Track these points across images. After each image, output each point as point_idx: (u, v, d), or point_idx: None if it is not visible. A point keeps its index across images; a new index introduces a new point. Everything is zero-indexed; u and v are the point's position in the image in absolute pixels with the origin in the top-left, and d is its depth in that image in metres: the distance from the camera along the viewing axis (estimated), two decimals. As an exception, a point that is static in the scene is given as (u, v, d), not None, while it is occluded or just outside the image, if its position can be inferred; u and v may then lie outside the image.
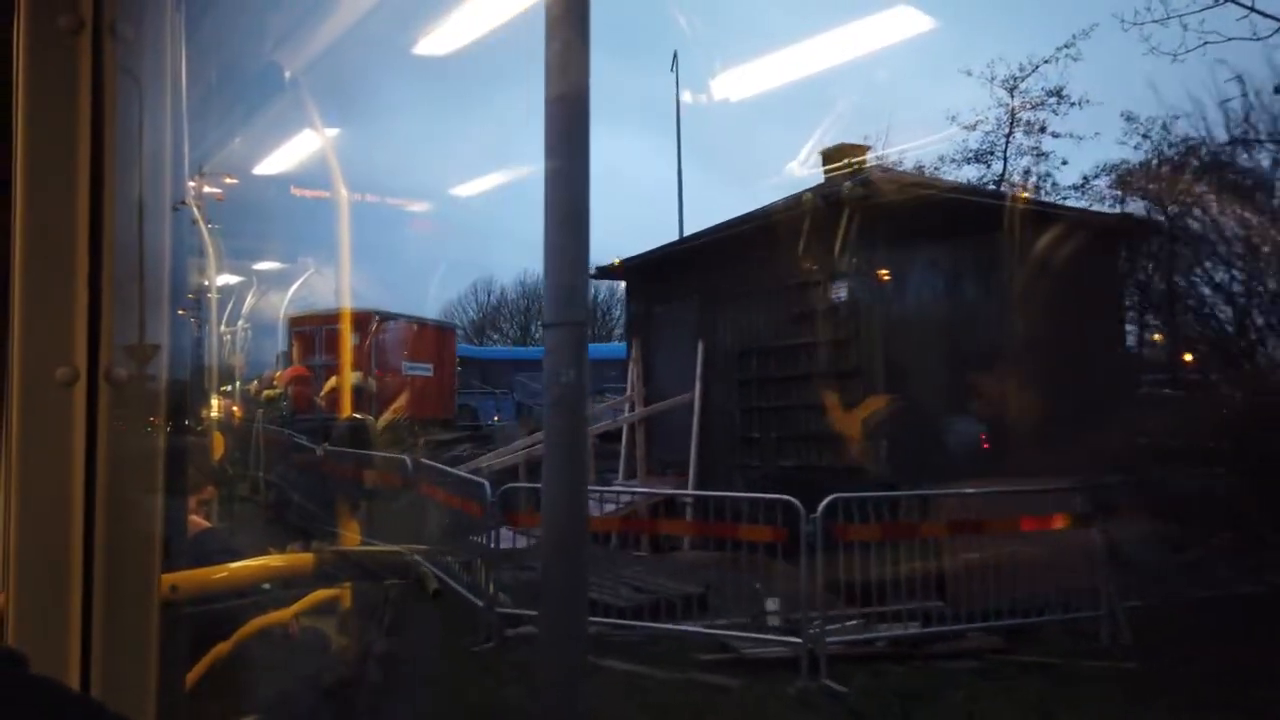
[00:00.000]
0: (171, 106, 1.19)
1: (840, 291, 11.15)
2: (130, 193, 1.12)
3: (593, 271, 16.58)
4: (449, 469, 10.52)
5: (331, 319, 22.61)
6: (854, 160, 13.71)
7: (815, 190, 12.88)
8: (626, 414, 14.78)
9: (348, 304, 21.84)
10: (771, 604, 7.36)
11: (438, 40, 5.42)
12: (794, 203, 11.95)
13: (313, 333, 23.03)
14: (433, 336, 26.29)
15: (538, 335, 48.37)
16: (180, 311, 1.24)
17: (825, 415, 11.02)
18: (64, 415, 1.06)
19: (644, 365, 13.62)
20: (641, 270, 15.43)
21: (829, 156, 14.09)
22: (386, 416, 20.07)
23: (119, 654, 1.08)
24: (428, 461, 10.83)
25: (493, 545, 7.95)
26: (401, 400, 22.14)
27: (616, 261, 15.81)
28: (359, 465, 11.09)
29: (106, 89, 1.08)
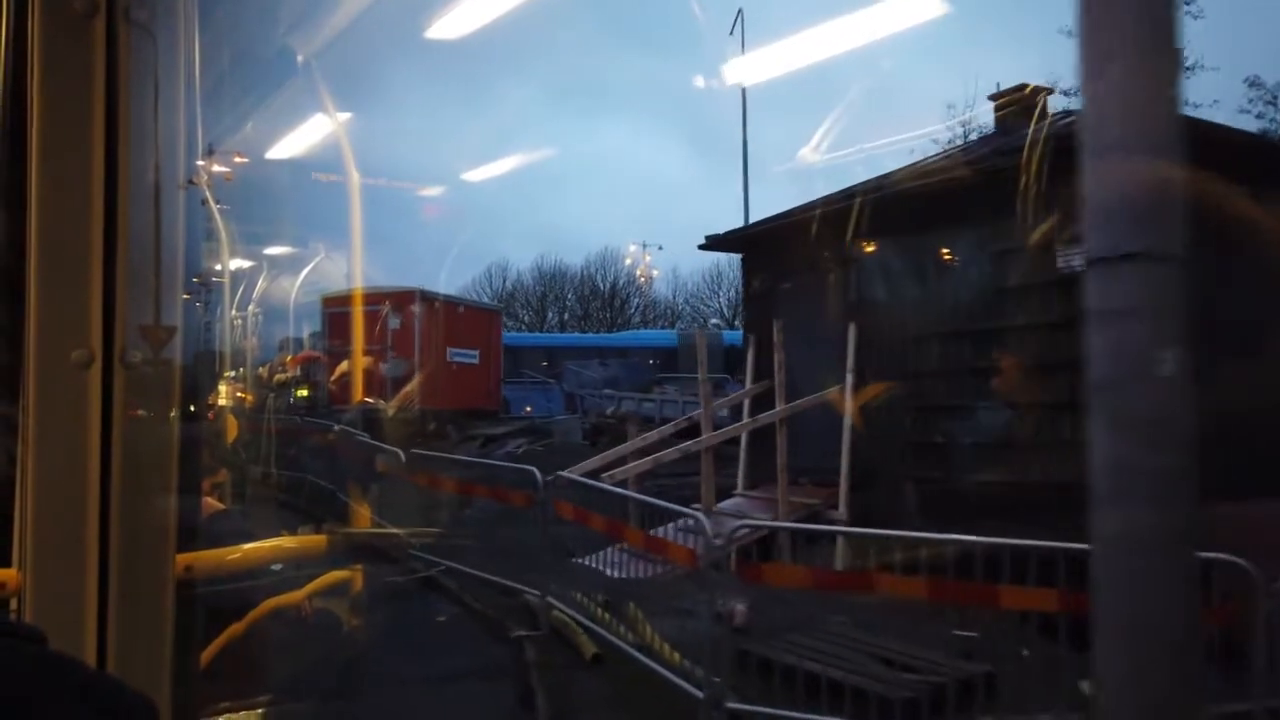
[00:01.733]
0: (185, 90, 1.19)
1: (1074, 259, 8.43)
2: (145, 177, 1.13)
3: (701, 243, 14.78)
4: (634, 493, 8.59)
5: (370, 298, 20.35)
6: (1036, 102, 11.31)
7: (997, 138, 11.06)
8: (747, 415, 12.03)
9: (382, 284, 20.45)
10: (1089, 686, 4.96)
11: (450, 24, 5.41)
12: (1000, 145, 9.96)
13: (349, 314, 20.89)
14: (478, 320, 24.08)
15: (554, 321, 48.35)
16: (185, 295, 1.25)
17: (1050, 417, 8.70)
18: (79, 397, 1.07)
19: (783, 353, 10.90)
20: (763, 240, 12.65)
21: (1004, 99, 12.14)
22: (419, 405, 18.82)
23: (135, 633, 1.10)
24: (575, 476, 8.94)
25: (721, 609, 5.74)
26: (445, 389, 20.51)
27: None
28: (464, 481, 9.87)
29: (120, 73, 1.08)
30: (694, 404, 21.55)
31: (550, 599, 7.08)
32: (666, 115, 63.90)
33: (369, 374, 19.70)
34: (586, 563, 8.46)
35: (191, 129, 1.25)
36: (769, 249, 12.66)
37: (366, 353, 20.09)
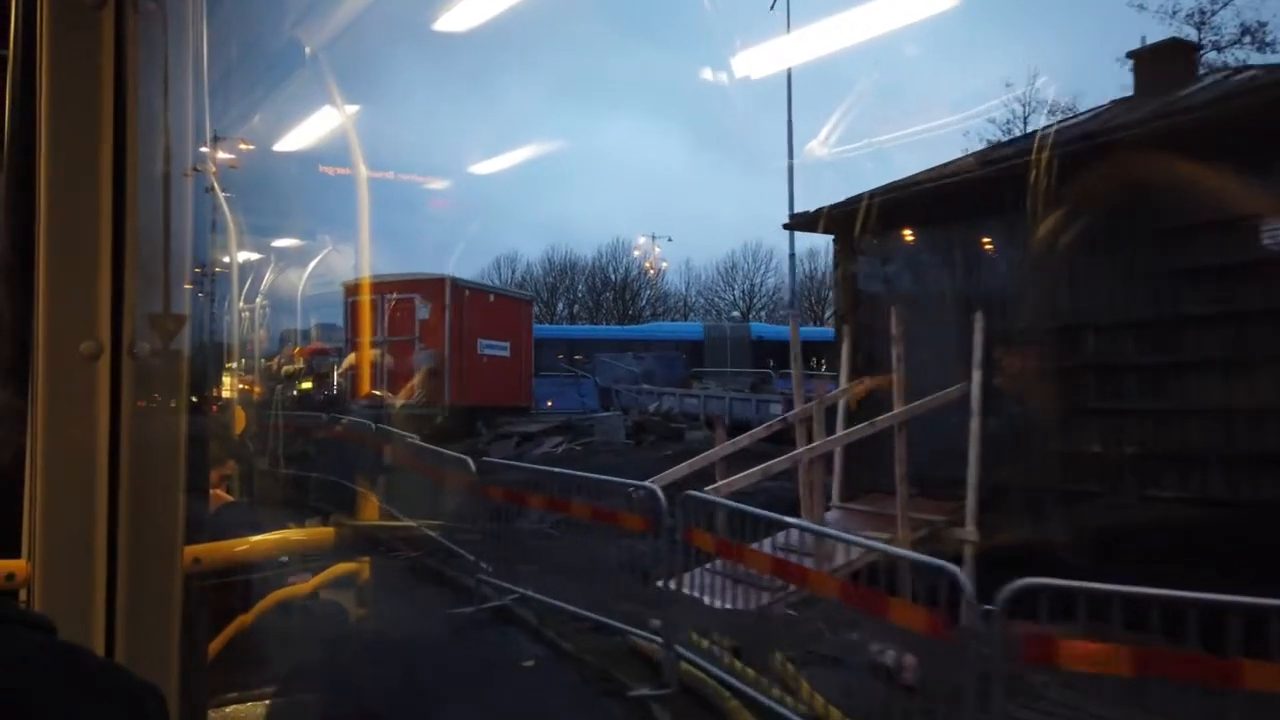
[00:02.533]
0: (193, 82, 1.19)
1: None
2: (153, 168, 1.13)
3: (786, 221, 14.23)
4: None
5: (395, 286, 19.20)
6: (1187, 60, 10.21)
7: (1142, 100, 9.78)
8: (842, 416, 10.39)
9: (406, 271, 19.38)
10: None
11: (458, 17, 5.40)
12: (1166, 106, 8.74)
13: (373, 303, 19.36)
14: (509, 310, 22.27)
15: (563, 312, 48.25)
16: (186, 286, 1.25)
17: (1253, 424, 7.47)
18: (88, 389, 1.07)
19: (903, 345, 9.28)
20: (863, 217, 10.76)
21: (1147, 59, 11.21)
22: (450, 401, 17.89)
23: (143, 623, 1.10)
24: (713, 496, 6.96)
25: (884, 659, 5.03)
26: (475, 384, 19.31)
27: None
28: (557, 499, 7.82)
29: (129, 63, 1.08)
30: (742, 400, 21.23)
31: (679, 647, 5.81)
32: (674, 109, 63.91)
33: (396, 367, 18.74)
34: (684, 589, 6.66)
35: (199, 120, 1.25)
36: (871, 227, 10.84)
37: (393, 344, 19.06)
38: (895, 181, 11.23)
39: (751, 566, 6.13)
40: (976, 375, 8.86)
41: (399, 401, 17.55)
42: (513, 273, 47.17)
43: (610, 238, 48.86)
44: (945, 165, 11.12)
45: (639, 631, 6.31)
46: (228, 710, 1.91)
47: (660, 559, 6.41)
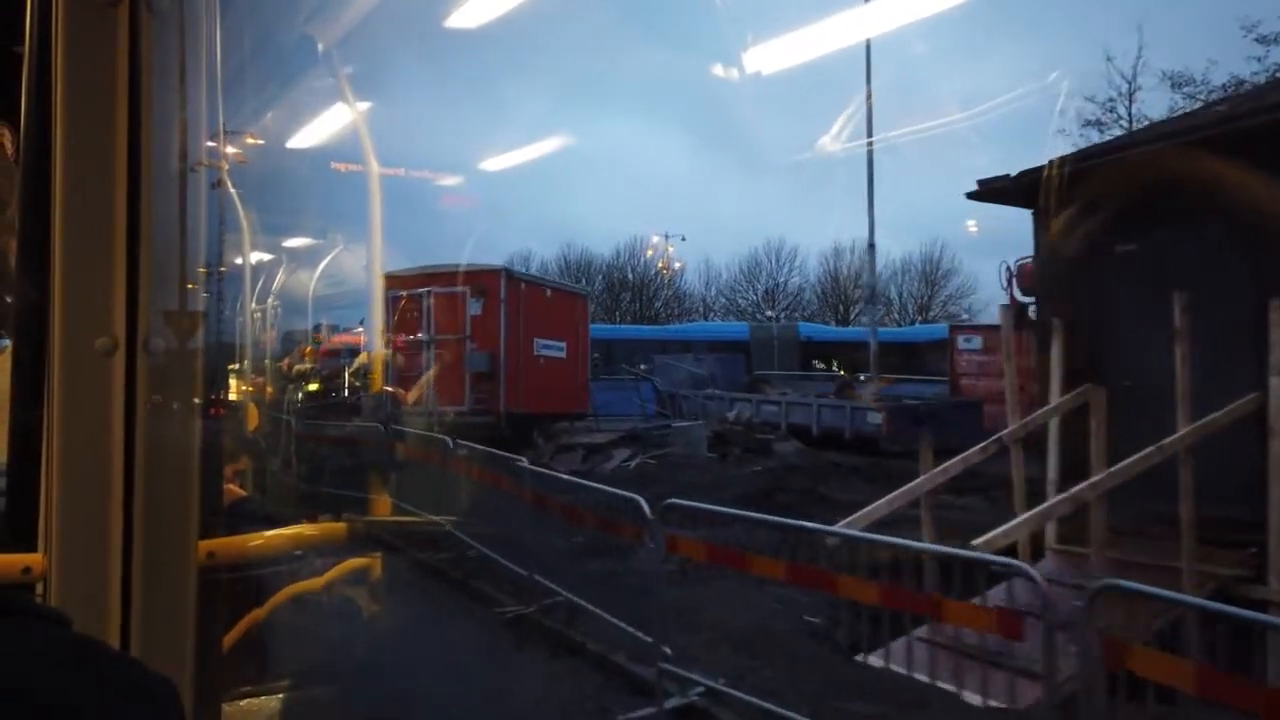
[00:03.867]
0: (206, 79, 1.20)
1: None
2: (167, 165, 1.13)
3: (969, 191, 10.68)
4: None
5: (444, 278, 17.15)
6: None
7: None
8: (1057, 433, 8.16)
9: (450, 261, 17.43)
10: None
11: (470, 14, 5.41)
12: None
13: (418, 296, 17.22)
14: (565, 305, 19.87)
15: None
16: (200, 282, 1.25)
17: None
18: (103, 384, 1.08)
19: (1187, 344, 7.16)
20: (1079, 184, 8.59)
21: None
22: (505, 408, 16.16)
23: (158, 617, 1.11)
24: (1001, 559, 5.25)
25: None
26: (531, 388, 17.34)
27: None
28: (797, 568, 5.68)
29: (143, 61, 1.09)
30: (833, 408, 19.01)
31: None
32: (687, 109, 63.78)
33: (446, 369, 16.71)
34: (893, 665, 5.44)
35: (213, 117, 1.25)
36: (1092, 196, 8.49)
37: (440, 344, 17.04)
38: (1121, 138, 9.26)
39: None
40: (1276, 382, 6.94)
41: (449, 410, 15.90)
42: (526, 269, 46.92)
43: (628, 236, 48.72)
44: (1202, 112, 8.52)
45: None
46: (242, 704, 1.92)
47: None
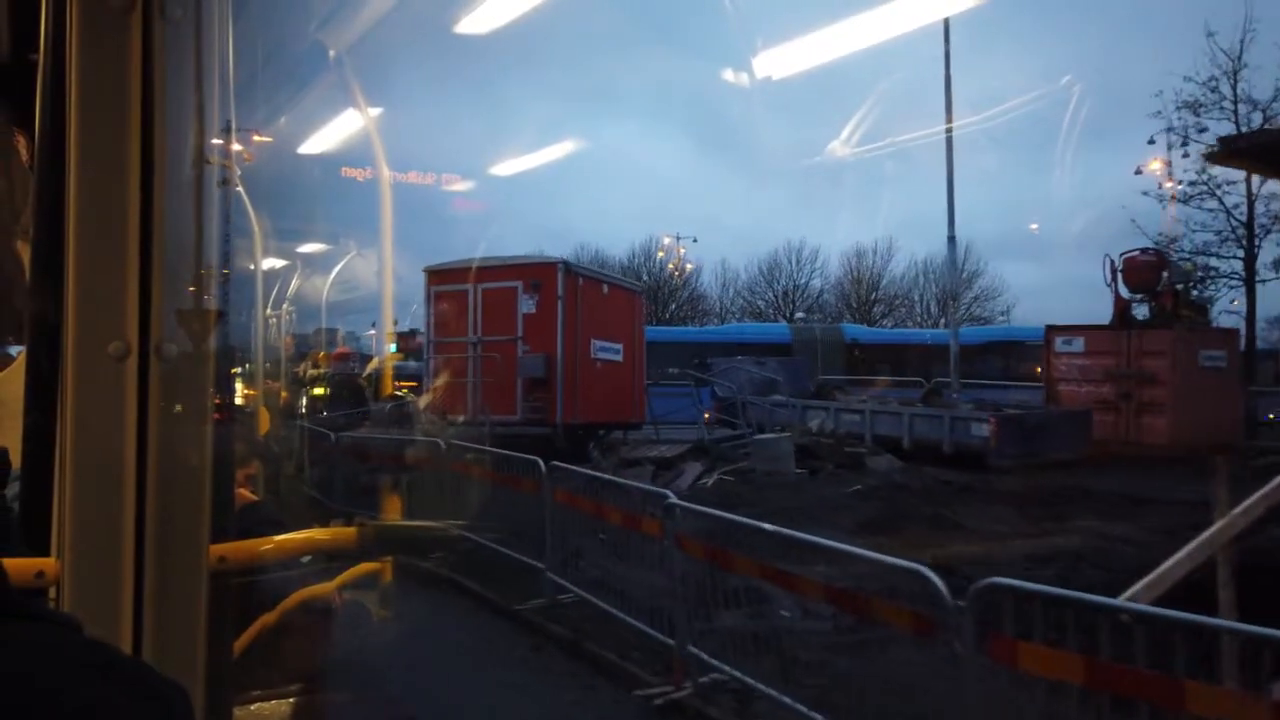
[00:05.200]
0: (218, 85, 1.20)
1: None
2: (180, 171, 1.14)
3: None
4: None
5: (493, 273, 15.40)
6: None
7: None
8: None
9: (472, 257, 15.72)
10: None
11: (479, 20, 5.43)
12: None
13: (463, 293, 15.52)
14: (622, 304, 17.88)
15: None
16: (213, 288, 1.26)
17: None
18: (116, 389, 1.09)
19: None
20: None
21: None
22: (565, 419, 14.65)
23: (169, 622, 1.11)
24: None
25: None
26: (589, 396, 15.61)
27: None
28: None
29: (156, 68, 1.10)
30: (929, 418, 16.71)
31: None
32: (700, 112, 63.77)
33: (495, 374, 14.92)
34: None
35: (225, 123, 1.26)
36: None
37: (489, 346, 15.20)
38: None
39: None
40: None
41: (493, 418, 14.06)
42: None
43: (641, 238, 48.53)
44: None
45: None
46: (253, 708, 1.93)
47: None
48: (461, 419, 14.20)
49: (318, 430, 12.87)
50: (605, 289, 17.29)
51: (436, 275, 16.07)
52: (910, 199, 58.04)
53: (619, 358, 17.09)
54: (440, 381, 15.23)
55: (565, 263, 15.79)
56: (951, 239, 23.02)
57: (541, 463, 8.38)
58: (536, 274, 15.43)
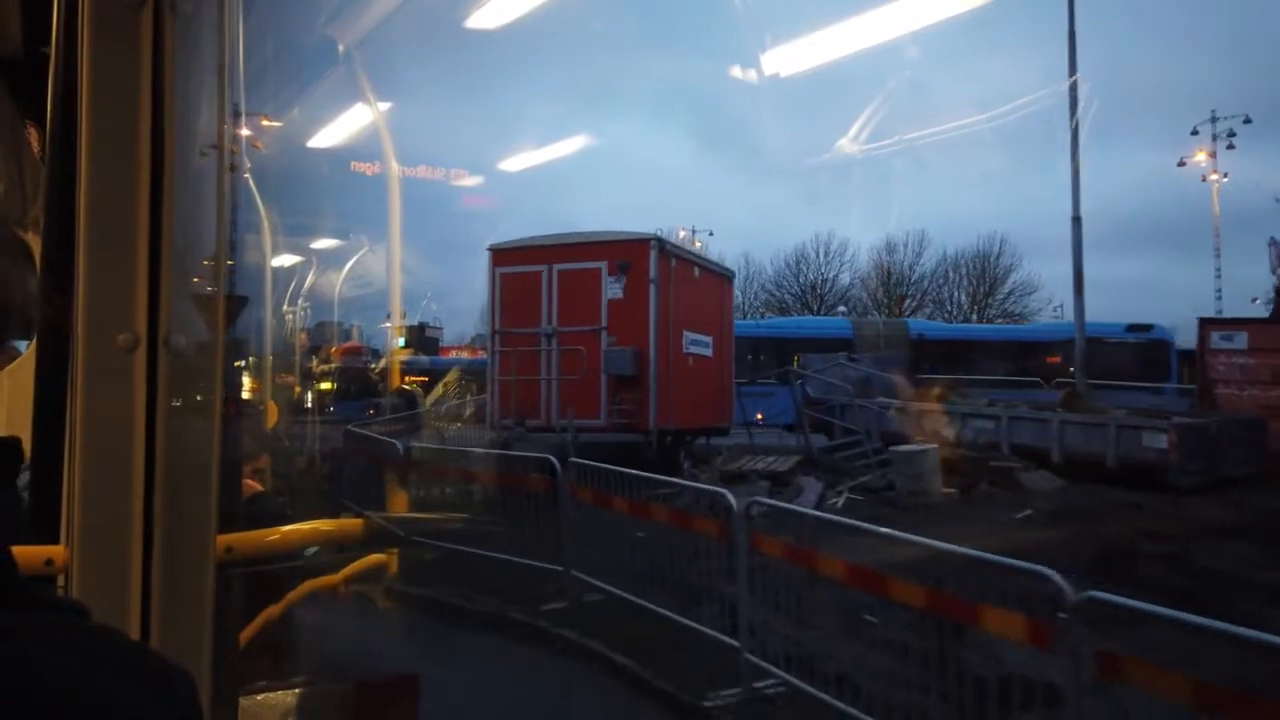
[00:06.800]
0: (228, 80, 1.21)
1: None
2: (190, 164, 1.15)
3: None
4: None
5: (569, 251, 13.39)
6: None
7: None
8: None
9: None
10: None
11: (489, 15, 5.43)
12: None
13: (538, 274, 13.48)
14: (713, 290, 15.70)
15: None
16: (222, 281, 1.27)
17: None
18: (125, 380, 1.10)
19: None
20: None
21: None
22: (656, 425, 12.60)
23: (176, 611, 1.12)
24: None
25: None
26: (682, 397, 13.53)
27: None
28: None
29: (167, 62, 1.11)
30: (1086, 427, 14.06)
31: None
32: (700, 108, 63.63)
33: (578, 371, 12.81)
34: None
35: (235, 118, 1.27)
36: None
37: (566, 338, 13.11)
38: None
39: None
40: None
41: (580, 422, 12.41)
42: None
43: (663, 231, 47.92)
44: None
45: None
46: (259, 698, 1.94)
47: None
48: (534, 424, 12.66)
49: (384, 440, 11.53)
50: (697, 271, 15.00)
51: (503, 255, 13.96)
52: (945, 191, 57.17)
53: (709, 352, 15.00)
54: (507, 379, 13.42)
55: (659, 239, 13.55)
56: (1076, 219, 20.40)
57: (731, 501, 6.73)
58: (625, 253, 13.22)
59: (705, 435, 15.07)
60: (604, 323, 13.21)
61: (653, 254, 13.11)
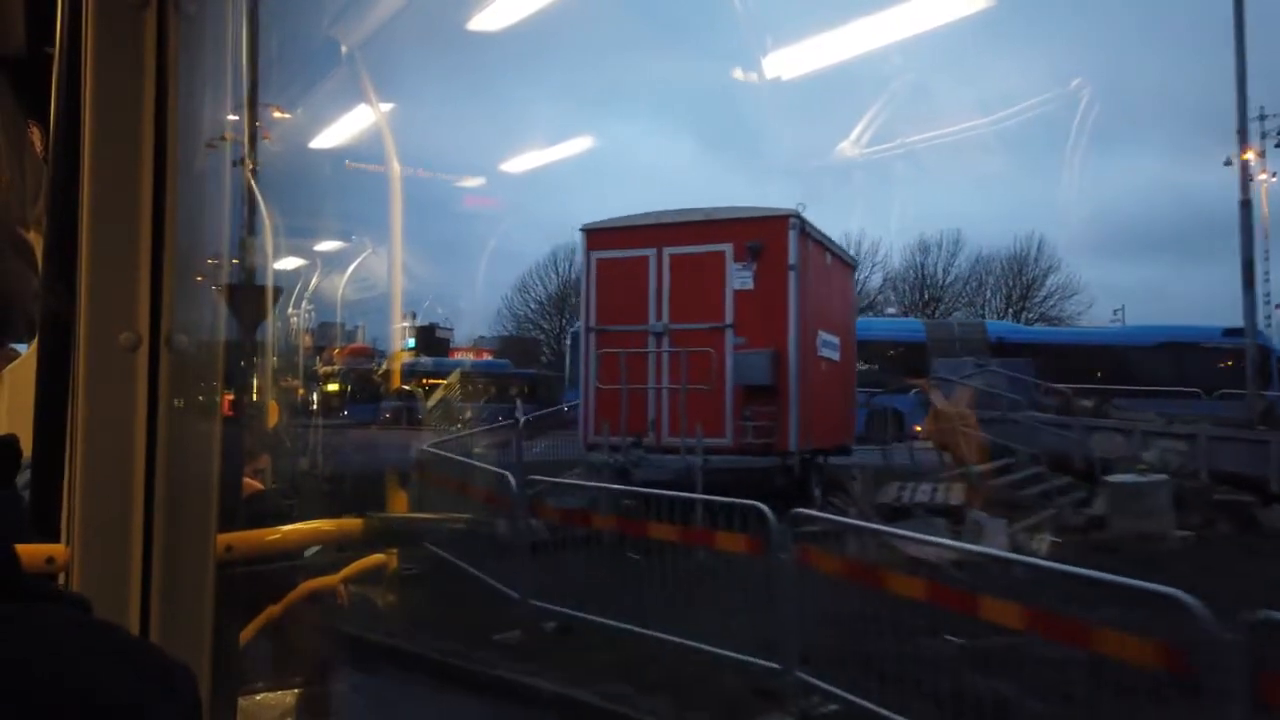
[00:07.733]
0: (232, 81, 1.22)
1: None
2: (192, 165, 1.15)
3: None
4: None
5: (684, 231, 10.92)
6: None
7: None
8: None
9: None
10: None
11: (493, 15, 5.43)
12: None
13: (644, 260, 11.10)
14: (842, 281, 13.24)
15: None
16: (214, 283, 1.27)
17: None
18: (126, 379, 1.10)
19: None
20: None
21: None
22: (780, 446, 10.32)
23: (177, 610, 1.12)
24: None
25: None
26: (816, 410, 11.10)
27: None
28: None
29: (170, 63, 1.11)
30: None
31: None
32: (703, 109, 63.69)
33: (699, 379, 10.37)
34: None
35: (238, 118, 1.28)
36: None
37: (682, 336, 10.71)
38: None
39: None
40: None
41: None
42: (569, 266, 41.08)
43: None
44: None
45: None
46: (258, 698, 1.94)
47: None
48: (643, 440, 10.44)
49: (448, 457, 9.67)
50: (829, 258, 12.31)
51: (600, 236, 11.58)
52: (983, 187, 56.17)
53: (838, 356, 12.49)
54: (609, 388, 10.91)
55: (799, 217, 10.81)
56: (1244, 203, 18.41)
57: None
58: (756, 232, 10.71)
59: (830, 455, 12.57)
60: (729, 319, 10.84)
61: (792, 234, 10.60)
